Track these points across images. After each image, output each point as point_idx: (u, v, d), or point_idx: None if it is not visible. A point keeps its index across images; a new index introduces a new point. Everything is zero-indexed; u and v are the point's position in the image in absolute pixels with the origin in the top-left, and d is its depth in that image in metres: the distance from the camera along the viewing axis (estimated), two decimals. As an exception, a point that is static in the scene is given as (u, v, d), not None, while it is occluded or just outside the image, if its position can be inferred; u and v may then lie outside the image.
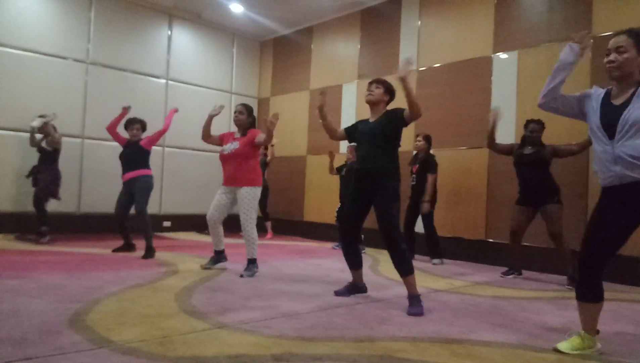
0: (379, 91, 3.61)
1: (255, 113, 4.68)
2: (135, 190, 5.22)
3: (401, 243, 3.39)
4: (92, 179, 7.28)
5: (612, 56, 2.42)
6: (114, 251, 5.40)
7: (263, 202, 8.03)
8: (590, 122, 2.53)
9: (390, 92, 3.65)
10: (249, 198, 4.36)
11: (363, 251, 6.56)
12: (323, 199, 8.06)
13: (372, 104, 3.65)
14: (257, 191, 4.43)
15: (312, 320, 2.93)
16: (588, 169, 5.15)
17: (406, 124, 3.50)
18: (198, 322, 2.76)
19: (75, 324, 2.57)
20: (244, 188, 4.37)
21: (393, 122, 3.49)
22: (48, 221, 6.08)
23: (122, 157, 5.39)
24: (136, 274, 4.13)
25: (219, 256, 4.65)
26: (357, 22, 7.86)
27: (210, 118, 4.63)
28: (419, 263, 5.65)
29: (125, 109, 5.55)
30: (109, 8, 7.55)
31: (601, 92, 2.57)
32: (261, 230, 8.21)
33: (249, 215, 4.35)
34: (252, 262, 4.39)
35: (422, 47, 6.90)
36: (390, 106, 3.68)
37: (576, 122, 5.13)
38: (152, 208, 5.45)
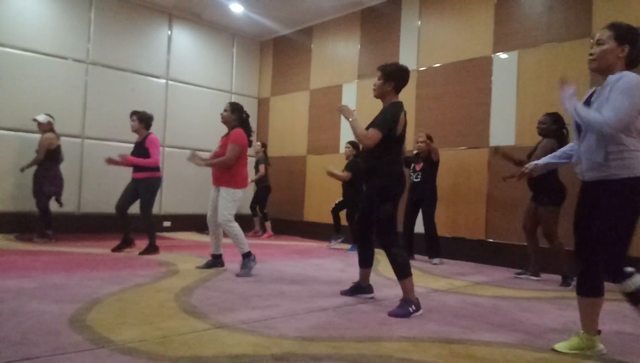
0: (379, 83, 3.40)
1: (255, 113, 4.67)
2: (140, 191, 5.26)
3: (391, 247, 3.28)
4: (92, 179, 7.28)
5: (592, 49, 2.43)
6: (113, 250, 5.40)
7: (262, 202, 8.03)
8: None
9: (390, 76, 3.37)
10: (225, 198, 4.35)
11: (352, 249, 6.58)
12: (323, 199, 8.05)
13: (379, 98, 3.47)
14: (234, 193, 4.37)
15: (312, 320, 2.93)
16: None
17: None
18: (198, 321, 2.76)
19: (75, 324, 2.57)
20: (222, 188, 4.39)
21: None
22: (52, 223, 6.08)
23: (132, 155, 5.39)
24: (136, 274, 4.13)
25: (215, 260, 4.62)
26: (357, 22, 7.86)
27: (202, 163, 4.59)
28: (419, 263, 5.65)
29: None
30: (109, 8, 7.55)
31: (590, 91, 2.56)
32: (262, 229, 8.25)
33: (224, 215, 4.33)
34: (245, 257, 4.36)
35: (422, 47, 6.89)
36: (410, 89, 3.48)
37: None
38: (152, 208, 5.44)
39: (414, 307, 3.18)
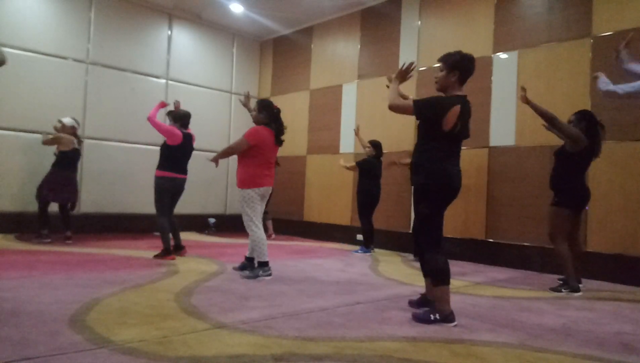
0: (442, 74, 3.17)
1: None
2: None
3: (425, 251, 3.13)
4: (92, 179, 7.27)
5: None
6: (155, 257, 5.13)
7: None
8: None
9: (454, 65, 3.14)
10: (240, 200, 4.31)
11: (356, 252, 6.50)
12: (323, 199, 8.05)
13: (441, 91, 3.22)
14: (244, 192, 4.24)
15: (312, 320, 2.93)
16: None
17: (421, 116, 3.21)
18: (198, 322, 2.76)
19: (75, 324, 2.57)
20: (238, 189, 4.33)
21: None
22: (46, 224, 6.04)
23: None
24: (136, 274, 4.13)
25: (247, 262, 4.53)
26: (357, 22, 7.86)
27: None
28: (419, 263, 5.64)
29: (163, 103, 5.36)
30: (109, 8, 7.55)
31: None
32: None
33: (244, 217, 4.28)
34: (259, 265, 4.26)
35: (422, 47, 6.90)
36: (477, 78, 3.23)
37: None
38: (152, 208, 5.42)
39: (437, 316, 2.98)
